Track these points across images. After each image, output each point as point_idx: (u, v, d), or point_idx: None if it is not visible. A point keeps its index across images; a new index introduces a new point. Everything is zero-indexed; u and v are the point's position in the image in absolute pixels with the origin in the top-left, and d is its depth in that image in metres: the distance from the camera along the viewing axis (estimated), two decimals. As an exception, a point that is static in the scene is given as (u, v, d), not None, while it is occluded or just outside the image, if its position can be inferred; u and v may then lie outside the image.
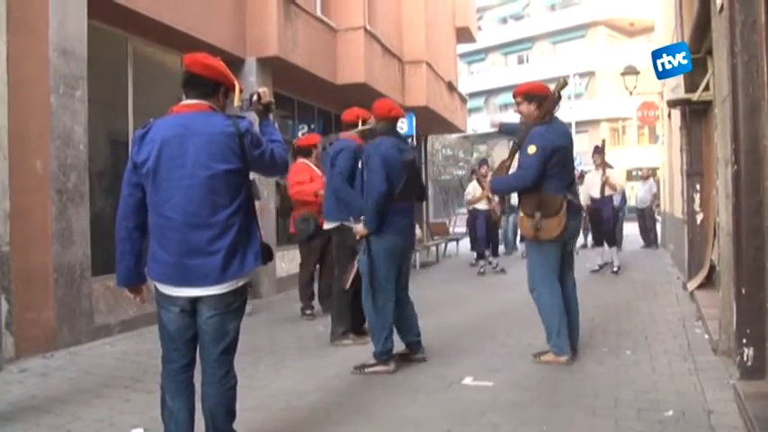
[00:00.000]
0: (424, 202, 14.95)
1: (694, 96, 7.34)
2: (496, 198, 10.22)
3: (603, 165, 10.50)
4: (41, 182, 5.74)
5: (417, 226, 5.66)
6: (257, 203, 4.70)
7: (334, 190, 5.76)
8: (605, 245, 10.91)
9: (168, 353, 2.98)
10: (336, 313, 6.01)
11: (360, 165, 5.12)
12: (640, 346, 5.51)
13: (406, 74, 14.40)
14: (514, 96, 5.25)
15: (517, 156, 5.03)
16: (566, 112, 35.98)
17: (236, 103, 3.11)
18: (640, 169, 18.23)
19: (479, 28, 29.19)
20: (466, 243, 13.49)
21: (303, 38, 9.99)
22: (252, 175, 3.09)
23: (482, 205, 11.22)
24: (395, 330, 5.03)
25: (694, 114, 8.38)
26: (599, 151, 10.60)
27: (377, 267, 4.88)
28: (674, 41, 7.95)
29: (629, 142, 39.01)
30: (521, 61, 45.04)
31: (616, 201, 11.17)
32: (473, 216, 11.65)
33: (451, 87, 17.43)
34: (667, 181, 14.49)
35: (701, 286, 7.44)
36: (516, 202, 6.68)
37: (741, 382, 4.02)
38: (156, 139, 2.85)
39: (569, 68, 37.76)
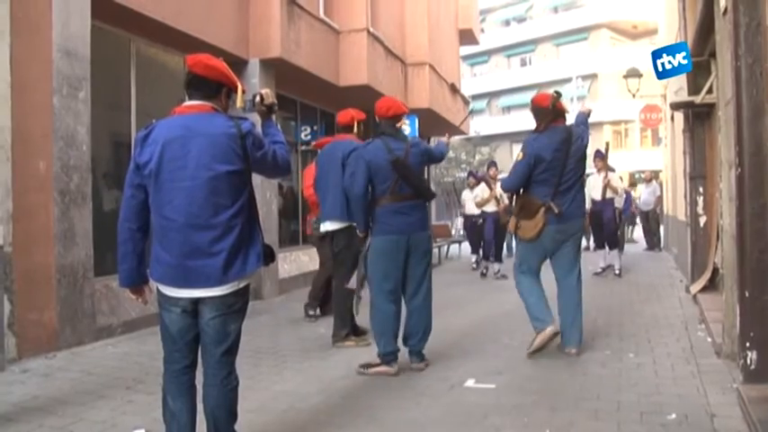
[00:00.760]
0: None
1: (697, 99, 7.33)
2: (506, 199, 10.23)
3: (605, 168, 10.52)
4: (44, 183, 5.74)
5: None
6: None
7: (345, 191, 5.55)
8: (607, 248, 10.89)
9: (170, 354, 2.98)
10: (338, 315, 6.00)
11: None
12: (643, 348, 5.49)
13: (409, 76, 14.40)
14: None
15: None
16: (568, 114, 35.99)
17: (239, 104, 3.11)
18: (643, 172, 18.22)
19: (482, 30, 29.18)
20: (467, 245, 13.44)
21: (306, 39, 10.00)
22: None
23: (490, 207, 11.09)
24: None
25: (697, 117, 8.37)
26: (601, 155, 10.61)
27: (371, 268, 4.92)
28: (678, 44, 7.94)
29: (632, 145, 38.95)
30: (523, 63, 45.03)
31: (619, 203, 11.14)
32: (479, 219, 11.58)
33: (454, 89, 17.44)
34: (670, 184, 14.47)
35: (704, 289, 7.43)
36: None
37: (744, 386, 4.01)
38: (158, 140, 2.85)
39: (572, 71, 37.85)
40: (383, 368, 4.87)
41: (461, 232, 15.58)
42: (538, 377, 4.70)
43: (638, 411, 3.90)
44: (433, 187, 14.49)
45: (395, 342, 4.90)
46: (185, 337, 2.93)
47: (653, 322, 6.63)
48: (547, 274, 5.48)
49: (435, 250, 14.26)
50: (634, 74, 14.75)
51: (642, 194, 17.01)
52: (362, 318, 5.69)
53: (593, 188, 10.68)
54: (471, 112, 12.35)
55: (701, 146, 8.39)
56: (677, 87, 8.11)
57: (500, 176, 11.16)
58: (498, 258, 11.29)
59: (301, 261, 10.39)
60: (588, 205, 10.36)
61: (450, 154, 31.51)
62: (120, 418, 3.94)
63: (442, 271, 12.43)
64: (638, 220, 17.74)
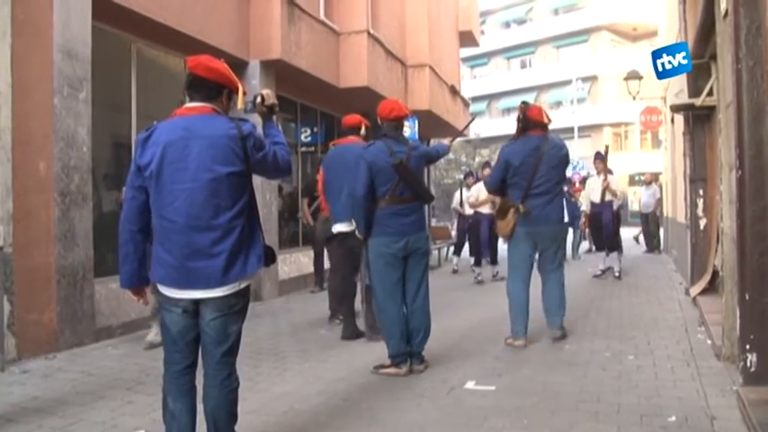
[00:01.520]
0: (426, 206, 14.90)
1: (698, 101, 7.33)
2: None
3: (605, 170, 10.52)
4: (44, 184, 5.74)
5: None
6: None
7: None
8: (606, 250, 10.88)
9: (170, 354, 2.98)
10: (347, 313, 6.19)
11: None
12: (643, 351, 5.49)
13: (409, 77, 14.41)
14: None
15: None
16: (568, 116, 36.06)
17: (240, 105, 3.11)
18: (643, 174, 18.21)
19: (482, 32, 29.19)
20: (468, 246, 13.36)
21: (306, 41, 10.01)
22: None
23: (486, 209, 10.67)
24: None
25: (698, 119, 8.38)
26: (601, 157, 10.60)
27: (373, 270, 5.01)
28: (678, 46, 7.94)
29: (632, 147, 38.97)
30: (523, 65, 45.06)
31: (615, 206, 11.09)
32: (476, 221, 11.28)
33: (454, 91, 17.45)
34: (670, 186, 14.48)
35: (703, 292, 7.42)
36: None
37: (744, 388, 4.01)
38: (159, 141, 2.86)
39: (572, 73, 37.84)
40: (393, 370, 4.89)
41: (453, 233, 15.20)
42: (538, 379, 4.69)
43: (638, 414, 3.89)
44: (432, 189, 14.45)
45: (404, 343, 4.91)
46: (186, 337, 2.93)
47: (653, 325, 6.63)
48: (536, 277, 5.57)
49: (435, 252, 14.27)
50: (634, 76, 14.77)
51: (642, 197, 17.02)
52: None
53: (593, 190, 10.70)
54: (474, 117, 12.30)
55: (701, 148, 8.39)
56: (677, 90, 8.11)
57: None
58: (494, 260, 10.92)
59: (301, 262, 10.39)
60: (587, 208, 10.38)
61: (450, 156, 31.54)
62: (120, 419, 3.94)
63: (441, 273, 12.42)
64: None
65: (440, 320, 6.97)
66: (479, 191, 10.65)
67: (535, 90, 42.89)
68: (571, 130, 34.93)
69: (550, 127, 5.91)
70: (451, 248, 15.53)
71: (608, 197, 10.53)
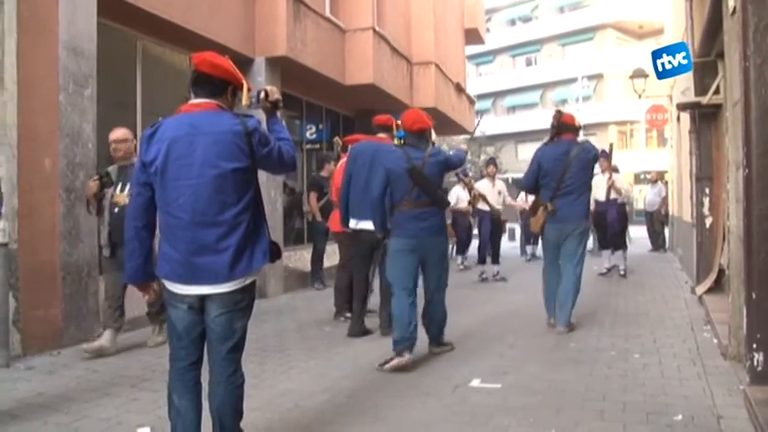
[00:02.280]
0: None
1: (704, 100, 7.31)
2: (508, 199, 11.01)
3: (610, 169, 10.48)
4: (50, 180, 5.75)
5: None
6: None
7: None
8: (612, 248, 10.85)
9: (176, 351, 2.98)
10: (357, 310, 6.28)
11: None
12: (649, 349, 5.47)
13: (415, 75, 14.38)
14: None
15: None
16: (574, 114, 35.91)
17: (245, 101, 3.10)
18: (648, 173, 18.12)
19: (488, 29, 29.15)
20: (473, 245, 13.30)
21: (312, 38, 10.00)
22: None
23: (486, 205, 10.56)
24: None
25: (704, 118, 8.35)
26: (605, 156, 10.55)
27: (389, 265, 5.31)
28: (685, 44, 7.92)
29: (638, 145, 38.89)
30: (529, 63, 44.99)
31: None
32: (479, 218, 11.13)
33: (460, 89, 17.41)
34: (676, 184, 14.44)
35: (709, 290, 7.40)
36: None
37: (751, 387, 3.99)
38: (164, 138, 2.86)
39: (577, 71, 37.77)
40: (396, 361, 4.93)
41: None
42: (543, 377, 4.68)
43: (643, 412, 3.88)
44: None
45: (408, 330, 5.00)
46: (191, 333, 2.93)
47: (658, 323, 6.61)
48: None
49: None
50: (640, 74, 14.69)
51: (647, 195, 16.96)
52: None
53: (597, 189, 10.63)
54: (480, 117, 12.29)
55: (707, 147, 8.36)
56: (684, 88, 8.10)
57: (499, 176, 11.17)
58: (495, 260, 10.68)
59: (306, 260, 10.38)
60: (592, 206, 10.33)
61: (455, 153, 31.50)
62: (124, 415, 3.94)
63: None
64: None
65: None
66: (483, 187, 10.63)
67: (540, 88, 42.83)
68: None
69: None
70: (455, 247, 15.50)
71: (613, 195, 10.52)
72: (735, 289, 4.85)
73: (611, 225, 10.61)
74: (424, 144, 5.32)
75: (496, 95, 44.80)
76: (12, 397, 4.33)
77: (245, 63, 8.84)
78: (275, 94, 3.19)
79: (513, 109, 44.63)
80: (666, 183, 18.02)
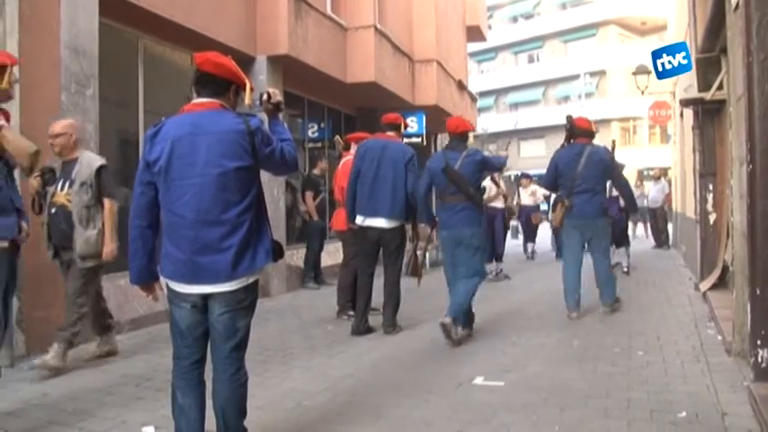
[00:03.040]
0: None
1: (707, 95, 7.28)
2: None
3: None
4: (52, 180, 5.73)
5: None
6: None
7: (411, 194, 6.15)
8: (614, 245, 10.80)
9: (179, 349, 2.98)
10: (361, 308, 6.29)
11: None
12: (652, 346, 5.47)
13: (417, 73, 14.35)
14: None
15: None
16: (576, 111, 35.90)
17: (247, 101, 3.10)
18: (652, 169, 18.07)
19: (490, 27, 29.08)
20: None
21: (313, 36, 9.99)
22: None
23: (499, 203, 10.55)
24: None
25: (707, 114, 8.32)
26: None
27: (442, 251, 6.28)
28: (687, 40, 7.90)
29: (641, 142, 38.79)
30: (531, 60, 44.89)
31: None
32: (490, 216, 10.98)
33: (462, 86, 17.38)
34: (679, 181, 14.40)
35: (713, 287, 7.39)
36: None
37: (755, 384, 3.98)
38: (167, 137, 2.86)
39: (580, 67, 37.72)
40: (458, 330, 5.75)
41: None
42: (547, 375, 4.68)
43: (648, 409, 3.88)
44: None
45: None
46: (195, 332, 2.93)
47: (662, 320, 6.60)
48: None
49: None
50: (643, 71, 14.63)
51: (651, 192, 16.93)
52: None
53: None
54: (480, 110, 12.37)
55: (710, 143, 8.34)
56: (687, 84, 8.06)
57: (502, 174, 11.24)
58: (499, 258, 10.62)
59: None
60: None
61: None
62: (129, 414, 3.95)
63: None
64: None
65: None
66: (490, 187, 10.56)
67: (543, 85, 42.75)
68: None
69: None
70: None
71: (614, 192, 10.47)
72: (739, 285, 4.84)
73: (614, 222, 10.56)
74: (463, 146, 6.02)
75: (498, 93, 44.73)
76: (16, 397, 4.34)
77: (246, 62, 8.83)
78: (277, 96, 3.21)
79: (515, 106, 44.55)
80: (669, 180, 17.97)
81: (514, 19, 46.15)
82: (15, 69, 4.04)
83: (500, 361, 5.12)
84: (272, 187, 9.04)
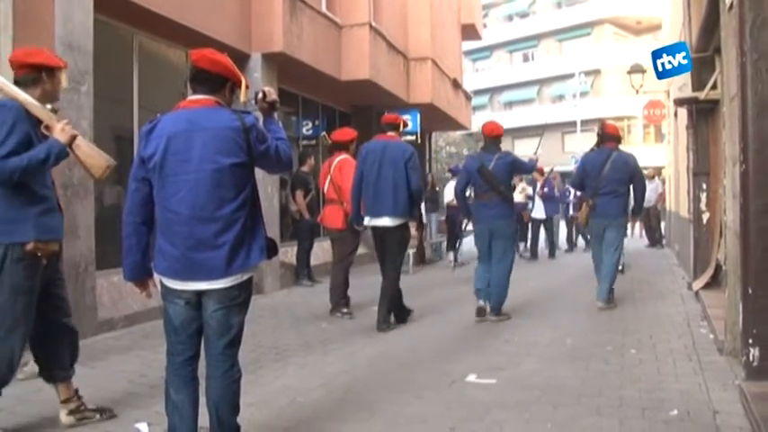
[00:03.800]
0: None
1: (701, 95, 7.32)
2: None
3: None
4: (46, 176, 5.71)
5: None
6: None
7: (416, 191, 6.39)
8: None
9: (173, 346, 2.98)
10: (390, 306, 6.42)
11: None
12: (645, 345, 5.49)
13: (411, 71, 14.35)
14: None
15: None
16: (571, 110, 36.00)
17: (243, 98, 3.11)
18: (646, 168, 18.09)
19: (485, 25, 29.11)
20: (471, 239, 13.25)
21: (308, 34, 9.98)
22: None
23: (521, 198, 10.85)
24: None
25: (701, 113, 8.35)
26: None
27: (475, 243, 6.87)
28: (682, 39, 7.93)
29: (635, 141, 38.79)
30: (526, 59, 44.96)
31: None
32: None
33: (456, 84, 17.39)
34: (673, 180, 14.45)
35: (706, 286, 7.42)
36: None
37: (747, 383, 4.01)
38: (162, 134, 2.86)
39: (575, 66, 37.72)
40: (480, 303, 6.66)
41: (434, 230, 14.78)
42: (539, 373, 4.70)
43: (639, 407, 3.90)
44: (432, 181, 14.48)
45: (483, 283, 6.67)
46: (188, 329, 2.94)
47: (655, 319, 6.63)
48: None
49: (438, 245, 14.26)
50: (637, 70, 14.69)
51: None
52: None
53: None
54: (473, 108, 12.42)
55: (704, 142, 8.37)
56: (681, 83, 8.10)
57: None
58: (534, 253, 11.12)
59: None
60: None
61: (453, 149, 31.61)
62: (122, 411, 3.94)
63: (440, 266, 12.39)
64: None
65: (441, 313, 7.02)
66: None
67: (538, 84, 42.81)
68: (573, 123, 34.85)
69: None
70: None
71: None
72: (731, 284, 4.86)
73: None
74: (497, 148, 6.77)
75: (493, 91, 44.77)
76: (9, 393, 4.31)
77: (241, 59, 8.81)
78: (272, 94, 3.22)
79: (510, 104, 44.58)
80: (663, 179, 18.03)
81: (509, 17, 46.18)
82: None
83: (493, 359, 5.13)
84: (266, 184, 9.02)
